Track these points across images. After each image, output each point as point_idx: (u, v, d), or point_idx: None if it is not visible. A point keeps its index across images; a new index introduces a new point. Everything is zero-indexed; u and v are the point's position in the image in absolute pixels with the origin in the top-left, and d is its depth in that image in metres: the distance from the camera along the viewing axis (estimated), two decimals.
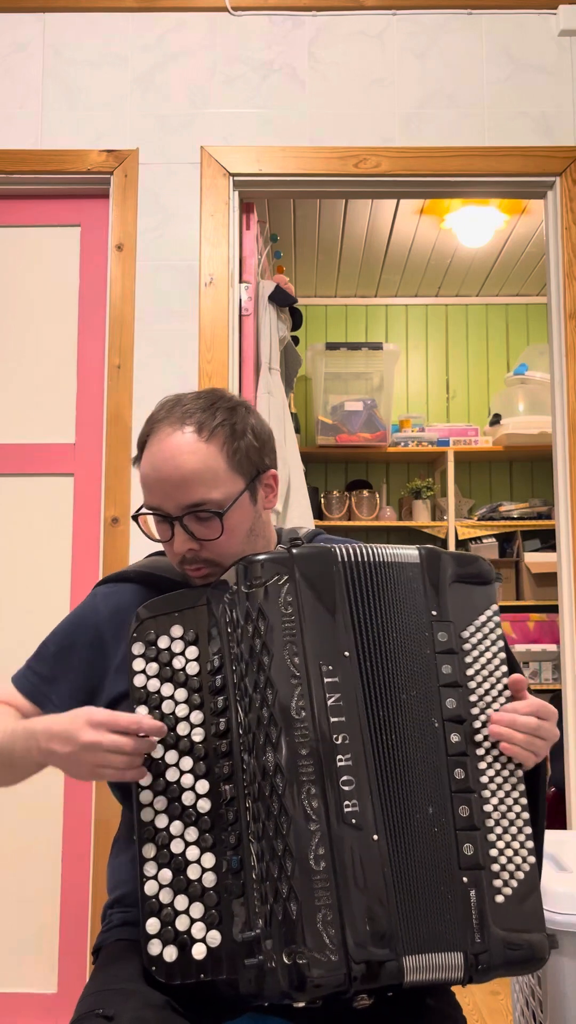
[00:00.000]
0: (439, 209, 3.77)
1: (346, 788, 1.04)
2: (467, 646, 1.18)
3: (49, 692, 1.30)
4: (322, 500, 4.43)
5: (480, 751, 1.14)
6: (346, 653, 1.10)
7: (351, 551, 1.16)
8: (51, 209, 2.75)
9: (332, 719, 1.06)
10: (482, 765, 1.13)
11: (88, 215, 2.74)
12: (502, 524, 4.40)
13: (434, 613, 1.17)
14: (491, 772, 1.13)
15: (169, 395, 1.29)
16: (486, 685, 1.17)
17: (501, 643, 1.20)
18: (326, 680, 1.08)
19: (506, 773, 1.14)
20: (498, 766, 1.14)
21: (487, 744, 1.14)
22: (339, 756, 1.05)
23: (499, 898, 1.08)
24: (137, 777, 1.09)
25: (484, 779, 1.13)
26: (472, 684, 1.16)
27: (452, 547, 4.30)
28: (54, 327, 2.70)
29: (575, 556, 2.57)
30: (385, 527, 4.52)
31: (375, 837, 1.04)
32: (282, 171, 2.68)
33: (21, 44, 2.72)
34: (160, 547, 1.39)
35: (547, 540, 4.33)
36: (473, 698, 1.16)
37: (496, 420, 4.40)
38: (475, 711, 1.15)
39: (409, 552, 1.19)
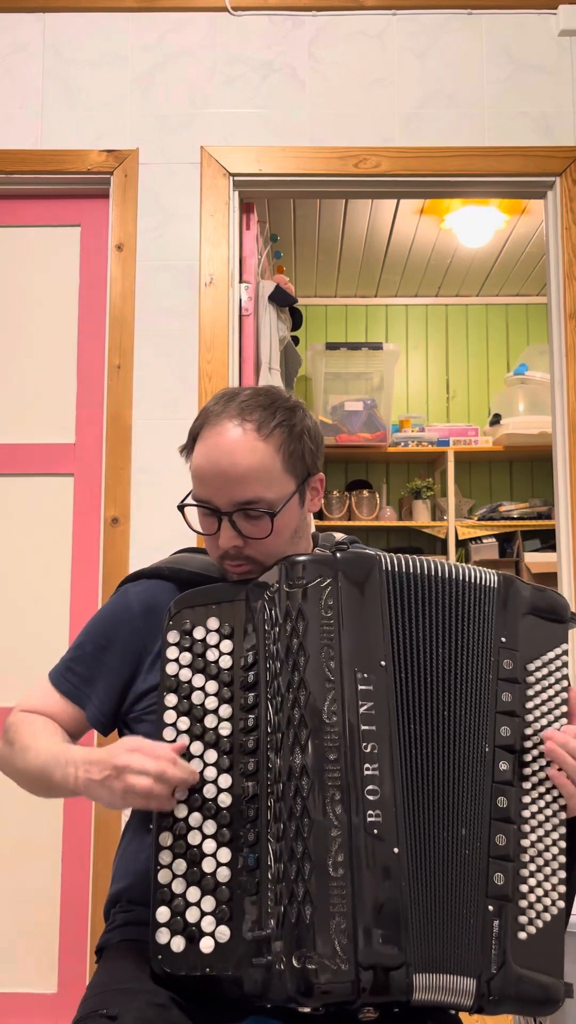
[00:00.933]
0: (439, 209, 3.77)
1: (371, 797, 1.03)
2: (531, 679, 1.16)
3: (90, 693, 1.30)
4: (322, 500, 4.42)
5: (527, 784, 1.12)
6: (383, 663, 1.09)
7: (396, 561, 1.15)
8: (51, 209, 2.75)
9: (363, 727, 1.05)
10: (526, 799, 1.12)
11: (88, 215, 2.74)
12: (502, 524, 4.39)
13: (503, 640, 1.16)
14: (534, 808, 1.12)
15: (223, 389, 1.29)
16: (543, 721, 1.15)
17: (566, 683, 1.18)
18: (360, 687, 1.07)
19: (549, 812, 1.12)
20: (542, 803, 1.12)
21: (535, 779, 1.13)
22: (367, 765, 1.04)
23: (522, 934, 1.06)
24: (162, 807, 1.07)
25: (526, 813, 1.11)
26: (530, 717, 1.15)
27: (452, 547, 4.31)
28: (54, 327, 2.69)
29: (575, 556, 2.57)
30: (385, 527, 4.52)
31: (396, 850, 1.02)
32: (282, 171, 2.68)
33: (21, 44, 2.72)
34: (184, 544, 1.39)
35: (547, 540, 4.33)
36: (528, 731, 1.14)
37: (496, 420, 4.40)
38: (528, 744, 1.14)
39: (487, 575, 1.18)
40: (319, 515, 4.34)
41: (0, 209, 2.74)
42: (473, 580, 1.18)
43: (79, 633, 1.36)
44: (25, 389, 2.67)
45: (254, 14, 2.73)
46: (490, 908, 1.06)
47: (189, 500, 1.25)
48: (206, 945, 1.03)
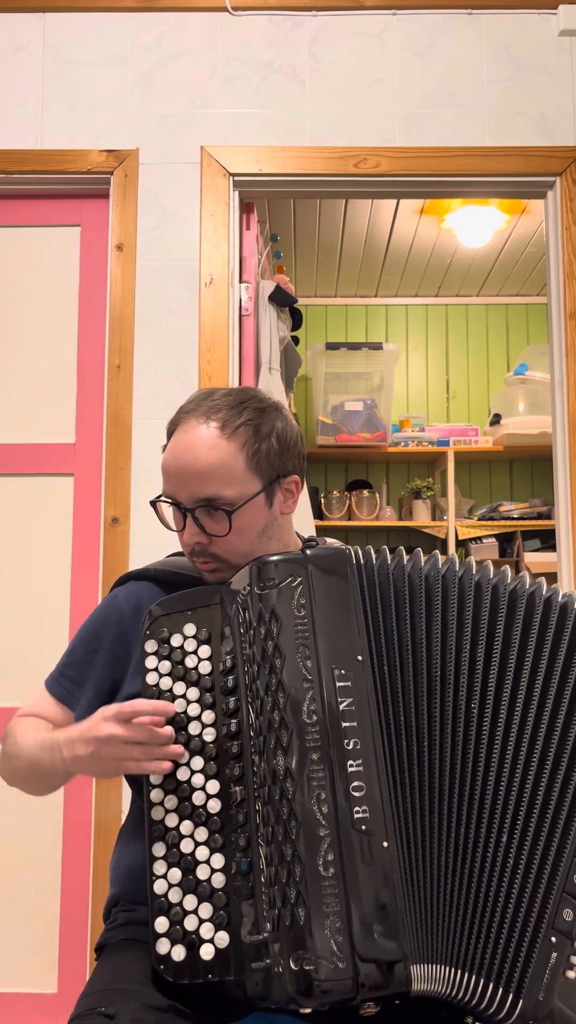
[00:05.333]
0: (439, 209, 3.77)
1: (356, 794, 1.03)
2: None
3: (80, 695, 1.32)
4: (322, 500, 4.43)
5: None
6: (359, 657, 1.09)
7: (371, 555, 1.14)
8: (51, 209, 2.75)
9: (344, 724, 1.05)
10: None
11: (88, 215, 2.74)
12: (502, 524, 4.39)
13: None
14: None
15: (204, 388, 1.30)
16: None
17: None
18: (338, 684, 1.06)
19: None
20: None
21: None
22: (350, 761, 1.04)
23: (571, 973, 1.04)
24: (159, 769, 1.09)
25: None
26: None
27: (452, 547, 4.30)
28: (54, 327, 2.69)
29: (575, 556, 2.57)
30: (385, 527, 4.52)
31: (385, 844, 1.02)
32: (282, 171, 2.68)
33: (21, 44, 2.72)
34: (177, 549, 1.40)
35: (547, 540, 4.33)
36: None
37: (496, 420, 4.40)
38: None
39: (553, 589, 1.15)
40: (319, 515, 4.34)
41: (0, 209, 2.74)
42: (544, 597, 1.14)
43: (72, 639, 1.38)
44: (25, 389, 2.67)
45: (254, 14, 2.73)
46: (552, 940, 1.04)
47: (161, 496, 1.28)
48: (206, 952, 1.04)
